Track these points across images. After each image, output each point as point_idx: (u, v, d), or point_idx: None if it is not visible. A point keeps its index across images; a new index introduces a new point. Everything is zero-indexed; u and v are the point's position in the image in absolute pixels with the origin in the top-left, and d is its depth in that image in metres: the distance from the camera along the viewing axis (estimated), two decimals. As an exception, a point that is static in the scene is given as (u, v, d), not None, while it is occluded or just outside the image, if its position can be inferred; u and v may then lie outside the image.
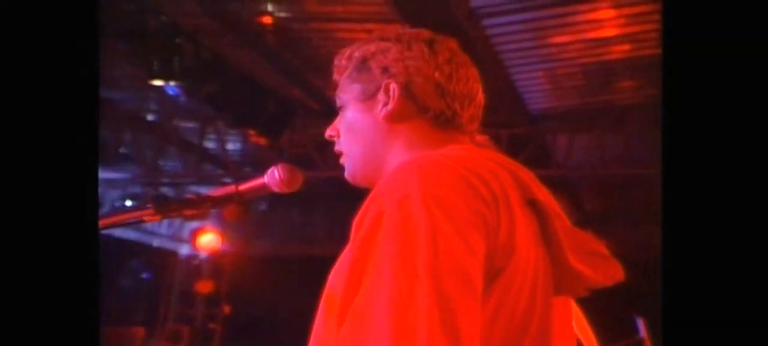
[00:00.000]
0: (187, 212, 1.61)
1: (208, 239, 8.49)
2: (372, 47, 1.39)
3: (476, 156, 1.25)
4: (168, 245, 9.41)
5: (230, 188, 1.58)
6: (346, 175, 1.42)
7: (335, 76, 1.45)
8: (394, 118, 1.35)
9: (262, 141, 6.65)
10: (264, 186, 1.55)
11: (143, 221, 1.62)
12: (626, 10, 5.50)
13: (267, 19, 5.45)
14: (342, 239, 1.36)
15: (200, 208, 1.60)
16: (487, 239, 1.12)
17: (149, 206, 1.56)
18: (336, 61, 1.45)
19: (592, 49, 6.05)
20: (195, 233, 8.44)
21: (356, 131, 1.39)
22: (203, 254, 8.95)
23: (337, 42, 5.26)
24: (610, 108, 6.91)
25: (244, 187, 1.57)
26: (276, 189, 1.53)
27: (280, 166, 1.52)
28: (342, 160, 1.43)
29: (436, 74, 1.34)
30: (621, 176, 6.93)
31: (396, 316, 1.03)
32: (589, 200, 8.83)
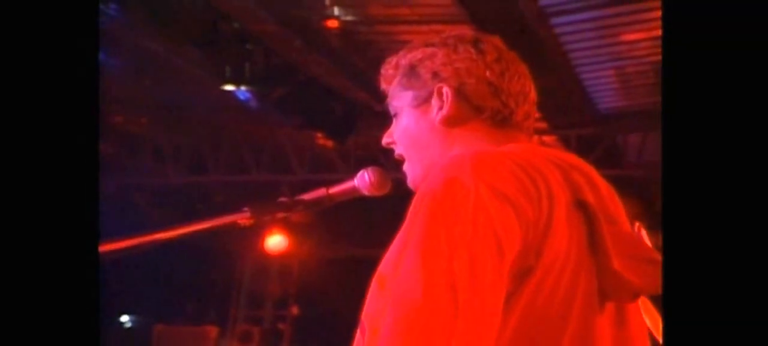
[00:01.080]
0: (280, 215, 1.63)
1: (277, 241, 8.60)
2: (418, 54, 1.39)
3: (530, 152, 1.27)
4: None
5: (321, 191, 1.60)
6: (409, 182, 1.42)
7: (383, 86, 1.47)
8: (450, 121, 1.35)
9: (329, 144, 6.74)
10: (354, 189, 1.57)
11: (238, 225, 1.61)
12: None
13: (333, 23, 5.51)
14: None
15: (292, 210, 1.62)
16: (525, 234, 1.14)
17: (245, 209, 1.58)
18: (382, 71, 1.47)
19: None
20: (263, 235, 8.55)
21: (413, 138, 1.40)
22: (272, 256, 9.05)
23: (402, 44, 5.22)
24: (683, 106, 6.77)
25: (334, 190, 1.59)
26: (366, 192, 1.55)
27: (370, 169, 1.54)
28: (404, 168, 1.44)
29: (487, 73, 1.34)
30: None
31: (425, 282, 1.09)
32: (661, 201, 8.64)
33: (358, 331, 1.29)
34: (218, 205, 8.45)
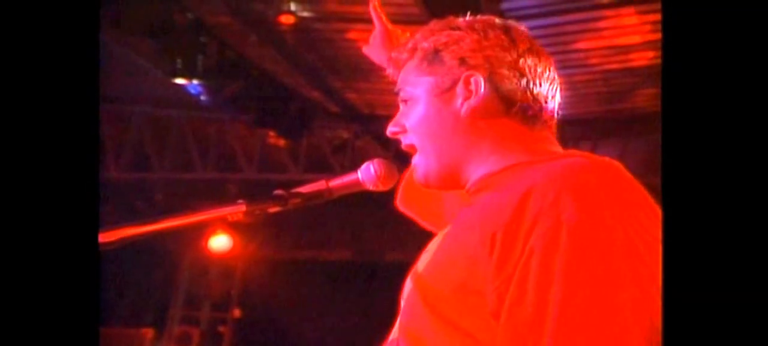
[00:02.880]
0: (276, 208, 1.60)
1: (221, 242, 8.49)
2: (443, 37, 1.29)
3: (620, 168, 1.15)
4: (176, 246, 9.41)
5: (321, 184, 1.52)
6: (418, 175, 1.34)
7: (392, 69, 1.38)
8: (477, 113, 1.25)
9: (281, 143, 6.67)
10: (357, 183, 1.49)
11: (228, 220, 1.52)
12: (650, 17, 5.50)
13: (289, 19, 5.40)
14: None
15: (289, 204, 1.58)
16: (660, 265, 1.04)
17: (240, 201, 1.50)
18: (394, 53, 1.38)
19: (615, 56, 6.06)
20: (206, 235, 8.42)
21: (432, 129, 1.29)
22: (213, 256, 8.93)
23: (360, 44, 5.20)
24: (634, 115, 6.89)
25: (335, 183, 1.51)
26: (370, 186, 1.47)
27: (377, 161, 1.46)
28: (414, 160, 1.34)
29: (521, 64, 1.26)
30: (645, 183, 6.93)
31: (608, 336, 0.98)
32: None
33: None
34: (159, 203, 8.30)
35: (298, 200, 1.59)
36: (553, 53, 4.86)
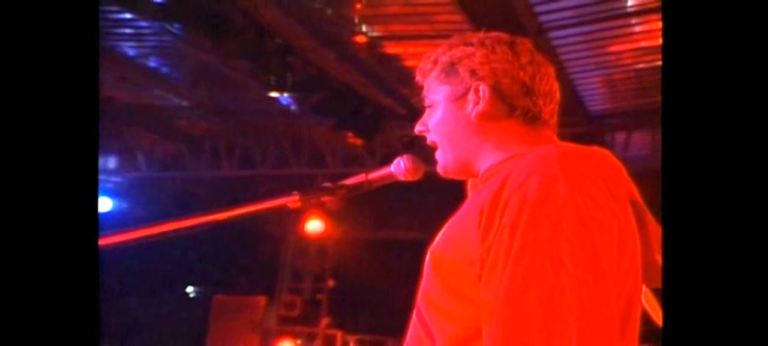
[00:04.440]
0: (325, 198, 1.59)
1: (315, 225, 8.53)
2: (458, 52, 1.30)
3: (595, 155, 1.16)
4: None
5: (361, 177, 1.53)
6: (439, 168, 1.35)
7: (419, 78, 1.38)
8: (485, 116, 1.27)
9: (358, 141, 6.71)
10: (390, 175, 1.50)
11: (288, 208, 1.55)
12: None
13: (361, 39, 5.47)
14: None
15: (336, 194, 1.56)
16: (619, 236, 1.06)
17: (294, 193, 1.53)
18: (421, 65, 1.38)
19: (645, 56, 5.88)
20: (303, 220, 8.51)
21: (448, 129, 1.32)
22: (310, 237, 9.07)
23: (420, 57, 5.24)
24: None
25: (373, 176, 1.53)
26: (401, 177, 1.47)
27: (405, 156, 1.46)
28: (436, 155, 1.35)
29: (521, 74, 1.26)
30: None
31: (548, 304, 0.97)
32: (645, 190, 8.64)
33: (415, 316, 1.22)
34: (264, 194, 8.46)
35: (343, 191, 1.60)
36: (591, 56, 4.78)
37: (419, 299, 1.21)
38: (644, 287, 1.27)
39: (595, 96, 6.51)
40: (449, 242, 1.20)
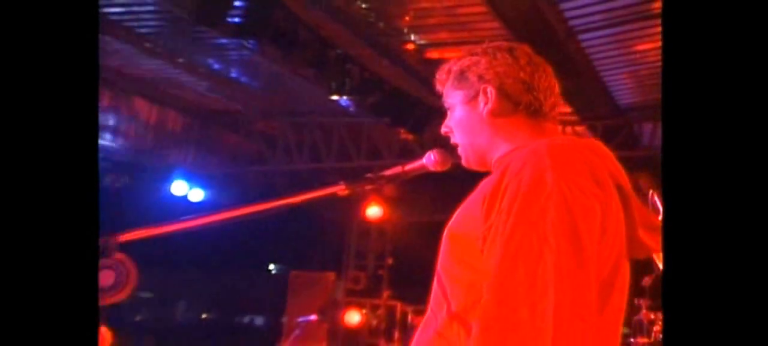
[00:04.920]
0: (368, 187, 1.62)
1: (374, 211, 8.68)
2: (466, 61, 1.34)
3: (584, 146, 1.17)
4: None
5: (398, 168, 1.58)
6: (463, 161, 1.39)
7: (438, 87, 1.42)
8: (494, 113, 1.29)
9: (410, 136, 6.72)
10: (423, 166, 1.53)
11: (337, 195, 1.59)
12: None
13: (411, 46, 5.50)
14: None
15: (377, 183, 1.60)
16: (603, 217, 1.08)
17: (341, 182, 1.57)
18: (437, 76, 1.42)
19: (668, 53, 5.69)
20: (364, 206, 8.63)
21: (465, 127, 1.35)
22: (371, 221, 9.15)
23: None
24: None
25: (408, 167, 1.56)
26: (431, 168, 1.51)
27: (434, 150, 1.50)
28: (459, 150, 1.39)
29: (522, 74, 1.28)
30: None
31: (532, 273, 1.01)
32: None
33: (436, 282, 1.26)
34: (330, 184, 8.56)
35: (382, 180, 1.64)
36: (618, 54, 4.65)
37: (439, 267, 1.25)
38: None
39: (623, 90, 6.35)
40: (461, 220, 1.24)
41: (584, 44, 5.28)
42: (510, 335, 0.99)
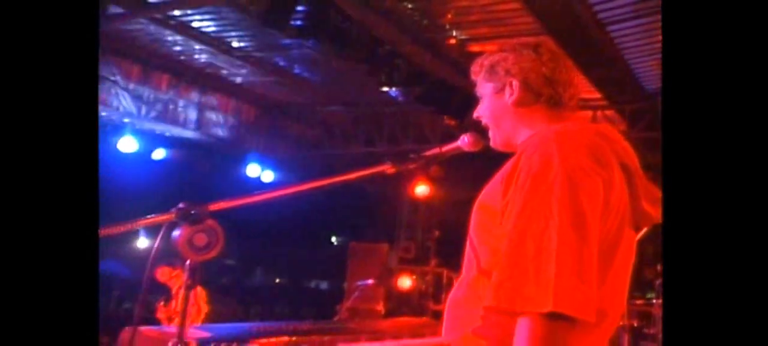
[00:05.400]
0: (411, 166, 1.63)
1: (422, 189, 8.64)
2: (496, 57, 1.36)
3: (590, 131, 1.21)
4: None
5: (436, 150, 1.60)
6: (492, 144, 1.42)
7: (473, 78, 1.44)
8: (518, 104, 1.32)
9: (452, 122, 6.64)
10: (458, 147, 1.56)
11: (385, 173, 1.60)
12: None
13: (452, 41, 5.42)
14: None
15: (419, 162, 1.61)
16: (606, 194, 1.10)
17: (388, 162, 1.58)
18: (472, 69, 1.44)
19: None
20: (413, 185, 8.60)
21: (493, 115, 1.38)
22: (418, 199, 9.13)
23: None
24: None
25: (446, 148, 1.59)
26: (465, 149, 1.54)
27: (468, 133, 1.53)
28: (489, 134, 1.42)
29: (543, 69, 1.30)
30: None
31: (538, 244, 1.05)
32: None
33: (468, 244, 1.28)
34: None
35: (423, 160, 1.64)
36: (644, 44, 4.44)
37: (470, 232, 1.29)
38: None
39: (650, 76, 6.09)
40: (486, 195, 1.27)
41: (613, 35, 5.08)
42: (518, 295, 1.04)
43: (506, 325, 1.06)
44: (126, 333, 1.23)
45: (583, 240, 1.05)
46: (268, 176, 8.18)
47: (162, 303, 4.79)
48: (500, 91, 1.34)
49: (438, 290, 8.67)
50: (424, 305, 8.70)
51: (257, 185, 7.88)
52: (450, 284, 8.53)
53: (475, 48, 5.50)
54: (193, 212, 1.16)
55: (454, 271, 8.68)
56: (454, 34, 5.31)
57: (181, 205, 1.18)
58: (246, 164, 7.91)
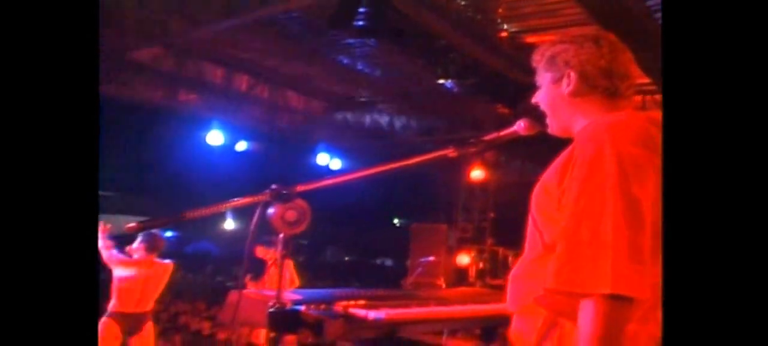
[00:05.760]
0: (472, 150, 1.64)
1: (477, 173, 8.55)
2: (557, 48, 1.33)
3: (641, 119, 1.19)
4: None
5: (495, 134, 1.59)
6: (549, 130, 1.40)
7: (534, 65, 1.41)
8: (574, 94, 1.29)
9: (506, 110, 6.53)
10: (515, 132, 1.54)
11: (448, 156, 1.60)
12: None
13: (504, 34, 5.32)
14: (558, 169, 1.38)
15: (479, 146, 1.62)
16: (654, 174, 1.07)
17: (451, 146, 1.59)
18: (533, 57, 1.41)
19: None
20: (469, 170, 8.52)
21: (551, 103, 1.36)
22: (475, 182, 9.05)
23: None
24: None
25: (504, 133, 1.57)
26: (522, 133, 1.52)
27: (524, 119, 1.51)
28: (547, 120, 1.40)
29: (602, 62, 1.26)
30: None
31: (594, 231, 1.05)
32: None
33: (530, 219, 1.28)
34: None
35: (482, 144, 1.65)
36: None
37: (533, 211, 1.29)
38: None
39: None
40: (547, 178, 1.26)
41: (662, 22, 4.84)
42: (577, 279, 1.05)
43: (565, 298, 1.08)
44: (233, 296, 1.34)
45: (637, 224, 1.04)
46: (336, 163, 8.38)
47: (250, 278, 5.04)
48: (558, 81, 1.31)
49: (494, 266, 8.63)
50: (481, 280, 8.68)
51: (327, 172, 8.09)
52: (505, 261, 8.47)
53: (525, 39, 5.39)
54: (284, 192, 1.24)
55: (510, 249, 8.59)
56: (506, 27, 5.22)
57: (273, 186, 1.26)
58: (316, 154, 8.15)
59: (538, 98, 1.40)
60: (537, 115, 1.48)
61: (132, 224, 1.25)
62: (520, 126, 1.50)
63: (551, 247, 1.16)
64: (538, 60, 1.38)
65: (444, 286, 7.95)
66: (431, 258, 6.55)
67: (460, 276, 8.69)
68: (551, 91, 1.34)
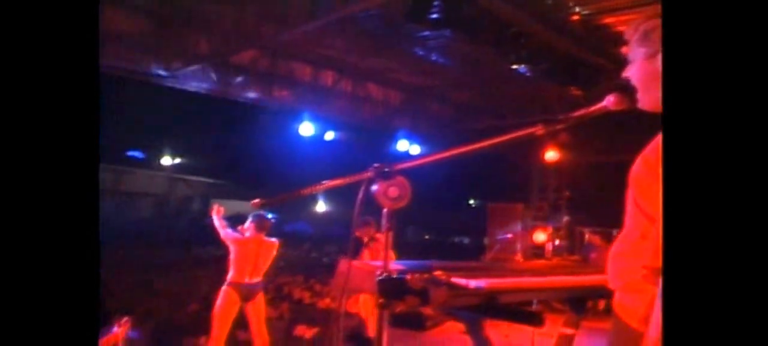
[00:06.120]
0: (559, 127, 1.56)
1: (551, 154, 8.29)
2: (652, 23, 1.24)
3: None
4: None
5: (583, 110, 1.47)
6: (639, 105, 1.29)
7: (626, 38, 1.31)
8: None
9: (579, 92, 6.21)
10: (604, 107, 1.41)
11: (535, 135, 1.50)
12: None
13: (576, 17, 5.04)
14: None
15: (568, 122, 1.52)
16: None
17: (539, 123, 1.52)
18: (626, 31, 1.31)
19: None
20: (544, 151, 8.27)
21: (642, 77, 1.27)
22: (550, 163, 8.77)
23: (622, 27, 4.73)
24: None
25: (593, 109, 1.44)
26: (612, 108, 1.40)
27: (613, 94, 1.38)
28: (637, 95, 1.29)
29: None
30: None
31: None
32: None
33: (630, 196, 1.22)
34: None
35: (571, 120, 1.56)
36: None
37: (634, 191, 1.22)
38: None
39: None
40: (648, 153, 1.20)
41: (662, 22, 4.35)
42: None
43: None
44: (343, 265, 1.37)
45: None
46: (415, 149, 8.40)
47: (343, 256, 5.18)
48: (652, 56, 1.23)
49: (572, 243, 8.36)
50: (559, 256, 8.43)
51: (407, 157, 8.12)
52: (581, 238, 8.17)
53: (597, 21, 5.07)
54: (386, 169, 1.25)
55: (585, 226, 8.26)
56: (578, 10, 4.93)
57: (376, 165, 1.27)
58: (396, 140, 8.22)
59: (630, 73, 1.30)
60: (627, 90, 1.39)
61: (256, 200, 1.31)
62: (610, 101, 1.39)
63: (656, 222, 1.09)
64: (630, 34, 1.29)
65: (521, 261, 7.78)
66: (509, 235, 6.41)
67: (536, 252, 8.47)
68: (644, 67, 1.25)
